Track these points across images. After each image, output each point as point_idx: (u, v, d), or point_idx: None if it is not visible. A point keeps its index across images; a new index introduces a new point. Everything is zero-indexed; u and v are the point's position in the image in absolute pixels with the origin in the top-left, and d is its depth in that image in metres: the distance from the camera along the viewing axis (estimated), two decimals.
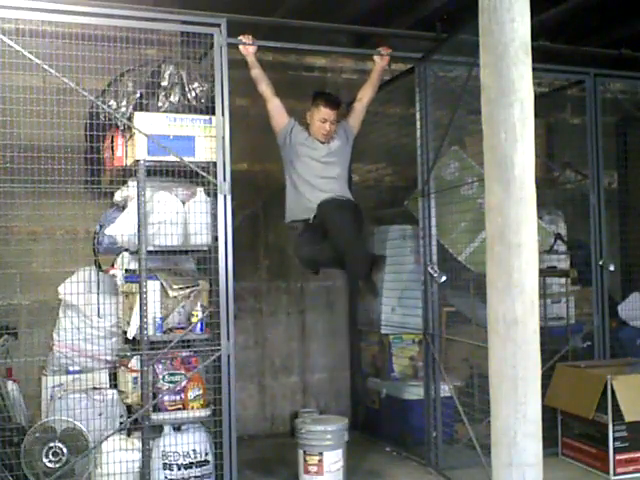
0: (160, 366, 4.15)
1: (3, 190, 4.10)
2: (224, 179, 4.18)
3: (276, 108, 4.54)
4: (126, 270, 4.41)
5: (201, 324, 4.20)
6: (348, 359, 6.12)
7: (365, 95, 4.79)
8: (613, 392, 4.51)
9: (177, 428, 4.15)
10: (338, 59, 6.31)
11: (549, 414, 4.82)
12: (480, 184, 4.58)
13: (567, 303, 5.54)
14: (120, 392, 4.37)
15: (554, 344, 5.16)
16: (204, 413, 4.16)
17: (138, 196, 4.07)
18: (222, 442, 4.11)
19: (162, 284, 4.18)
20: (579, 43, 5.92)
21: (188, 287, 4.27)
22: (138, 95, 4.22)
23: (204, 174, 4.17)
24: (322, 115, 4.50)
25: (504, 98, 2.85)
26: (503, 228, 2.85)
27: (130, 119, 4.14)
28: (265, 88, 4.51)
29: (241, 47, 4.45)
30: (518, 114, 2.83)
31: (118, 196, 4.44)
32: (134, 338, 4.17)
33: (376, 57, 4.82)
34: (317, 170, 4.51)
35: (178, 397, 4.15)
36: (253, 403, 5.95)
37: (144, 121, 4.08)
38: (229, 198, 4.19)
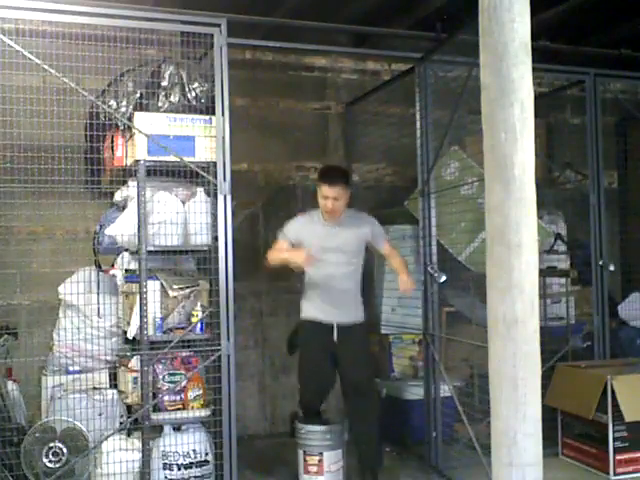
0: (160, 366, 4.15)
1: (3, 190, 4.10)
2: (224, 179, 4.18)
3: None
4: (126, 270, 4.42)
5: (201, 324, 4.20)
6: None
7: (388, 258, 4.78)
8: (613, 392, 4.52)
9: (177, 428, 4.15)
10: (338, 59, 6.30)
11: (549, 414, 4.81)
12: (480, 184, 4.58)
13: (567, 303, 5.54)
14: (120, 392, 4.37)
15: (554, 344, 5.15)
16: (204, 413, 4.16)
17: (138, 196, 4.06)
18: (222, 442, 4.11)
19: (162, 284, 4.18)
20: (579, 43, 5.92)
21: (188, 287, 4.26)
22: (138, 95, 4.22)
23: (204, 174, 4.17)
24: (323, 192, 4.43)
25: (504, 98, 2.84)
26: (503, 228, 2.84)
27: (130, 119, 4.14)
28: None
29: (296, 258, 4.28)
30: (518, 114, 2.83)
31: (118, 196, 4.44)
32: (134, 338, 4.17)
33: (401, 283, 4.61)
34: (321, 240, 4.44)
35: (178, 397, 4.15)
36: (253, 403, 5.95)
37: (144, 121, 4.08)
38: (229, 198, 4.19)
